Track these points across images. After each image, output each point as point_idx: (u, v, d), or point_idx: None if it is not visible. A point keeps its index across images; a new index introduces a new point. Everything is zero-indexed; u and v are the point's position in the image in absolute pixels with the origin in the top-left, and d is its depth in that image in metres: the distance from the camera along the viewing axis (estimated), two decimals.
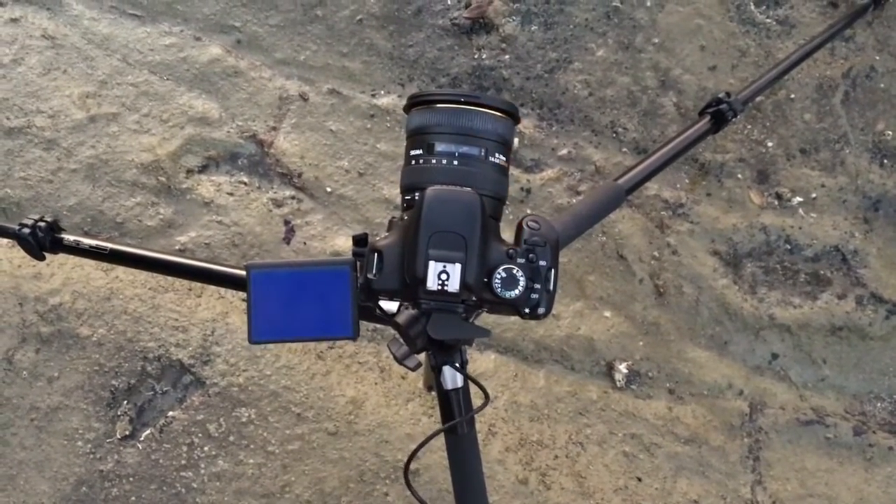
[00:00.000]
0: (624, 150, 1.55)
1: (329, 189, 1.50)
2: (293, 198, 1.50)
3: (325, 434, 1.39)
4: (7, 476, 1.36)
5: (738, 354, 1.50)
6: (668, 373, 1.48)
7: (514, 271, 0.72)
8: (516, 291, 0.72)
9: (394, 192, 1.50)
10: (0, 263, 1.44)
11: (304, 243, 1.48)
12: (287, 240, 1.49)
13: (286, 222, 1.49)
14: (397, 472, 1.38)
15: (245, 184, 1.50)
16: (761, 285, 1.52)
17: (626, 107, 1.56)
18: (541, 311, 0.74)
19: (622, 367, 1.47)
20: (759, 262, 1.53)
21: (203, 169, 1.50)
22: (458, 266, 0.70)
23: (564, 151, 1.54)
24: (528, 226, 0.74)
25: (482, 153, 0.75)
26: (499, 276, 0.72)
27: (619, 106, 1.56)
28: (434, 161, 0.76)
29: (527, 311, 0.74)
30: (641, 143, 1.55)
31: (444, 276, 0.70)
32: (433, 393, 1.43)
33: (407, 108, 0.81)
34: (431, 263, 0.71)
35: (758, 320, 1.50)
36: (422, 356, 0.92)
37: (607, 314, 1.48)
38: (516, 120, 0.78)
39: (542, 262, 0.73)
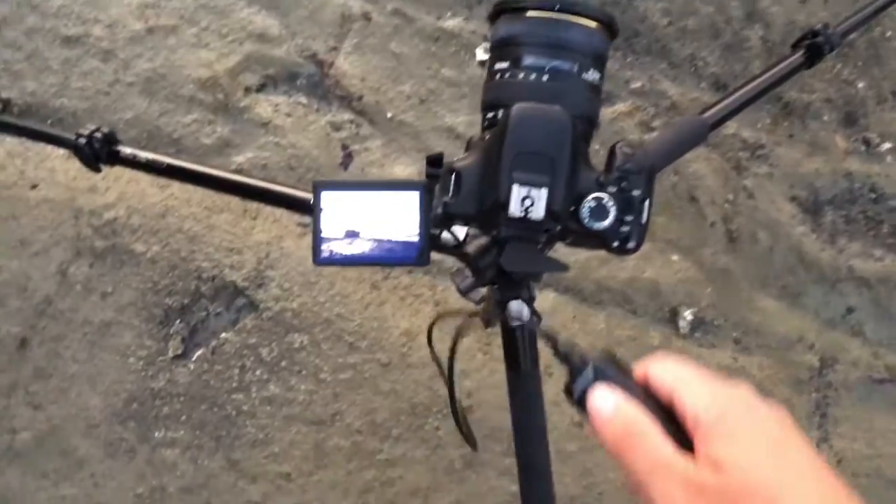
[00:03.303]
0: (702, 85, 1.45)
1: (389, 115, 1.44)
2: (352, 122, 1.44)
3: (377, 365, 1.36)
4: (59, 389, 1.36)
5: (811, 306, 1.43)
6: (736, 322, 1.41)
7: (605, 200, 0.66)
8: (606, 222, 0.66)
9: (456, 121, 1.44)
10: (55, 174, 1.41)
11: (362, 170, 1.43)
12: (344, 165, 1.44)
13: (344, 147, 1.44)
14: (449, 408, 1.35)
15: (303, 105, 1.44)
16: (841, 235, 1.44)
17: (708, 39, 1.46)
18: (631, 244, 0.68)
19: (687, 314, 1.41)
20: (840, 210, 1.44)
21: (261, 88, 1.45)
22: (544, 191, 0.64)
23: (638, 84, 1.45)
24: (621, 151, 0.67)
25: (575, 68, 0.68)
26: (587, 205, 0.66)
27: (700, 38, 1.46)
28: (521, 76, 0.69)
29: (615, 244, 0.68)
30: (722, 79, 1.46)
31: (527, 202, 0.64)
32: (490, 329, 1.38)
33: (492, 17, 0.73)
34: (515, 187, 0.64)
35: (835, 271, 1.42)
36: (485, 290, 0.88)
37: (675, 258, 1.42)
38: (614, 33, 0.71)
39: (636, 192, 0.67)
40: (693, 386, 0.45)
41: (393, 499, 1.33)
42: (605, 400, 0.47)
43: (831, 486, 0.41)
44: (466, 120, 1.43)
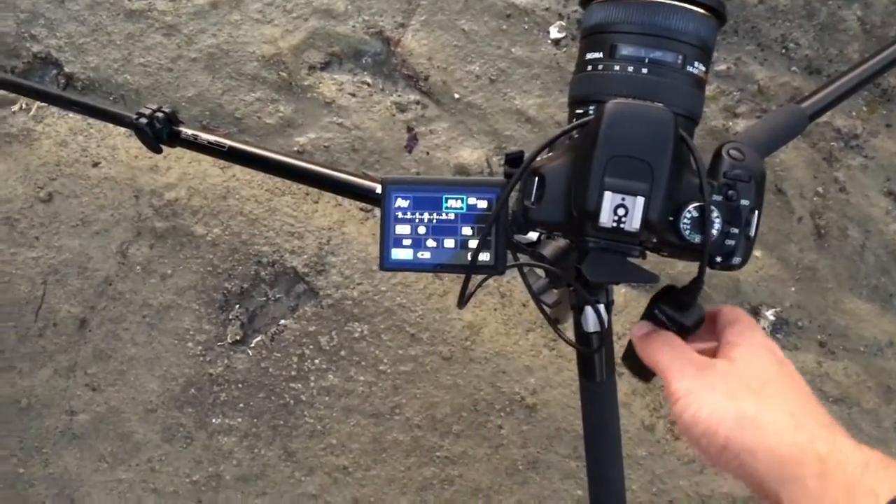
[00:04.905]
0: (793, 69, 1.35)
1: (457, 95, 1.38)
2: (418, 103, 1.38)
3: (438, 358, 1.31)
4: (118, 371, 1.35)
5: None
6: (821, 324, 1.32)
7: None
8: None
9: (527, 103, 1.37)
10: (117, 152, 1.39)
11: (427, 153, 1.38)
12: (409, 148, 1.38)
13: (409, 129, 1.38)
14: (513, 405, 1.29)
15: (368, 85, 1.39)
16: None
17: (801, 19, 1.36)
18: (736, 260, 0.61)
19: (769, 314, 1.32)
20: None
21: (325, 66, 1.40)
22: (640, 200, 0.56)
23: (723, 67, 1.36)
24: (729, 155, 0.60)
25: (679, 60, 0.60)
26: (688, 216, 0.58)
27: (792, 17, 1.36)
28: (617, 67, 0.61)
29: (718, 259, 0.61)
30: (815, 63, 1.35)
31: (621, 212, 0.57)
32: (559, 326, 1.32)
33: (584, 0, 0.66)
34: (607, 194, 0.57)
35: None
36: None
37: (758, 254, 1.33)
38: (723, 20, 0.63)
39: (745, 202, 0.59)
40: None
41: (452, 497, 1.29)
42: (641, 327, 0.64)
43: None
44: (538, 102, 1.36)
